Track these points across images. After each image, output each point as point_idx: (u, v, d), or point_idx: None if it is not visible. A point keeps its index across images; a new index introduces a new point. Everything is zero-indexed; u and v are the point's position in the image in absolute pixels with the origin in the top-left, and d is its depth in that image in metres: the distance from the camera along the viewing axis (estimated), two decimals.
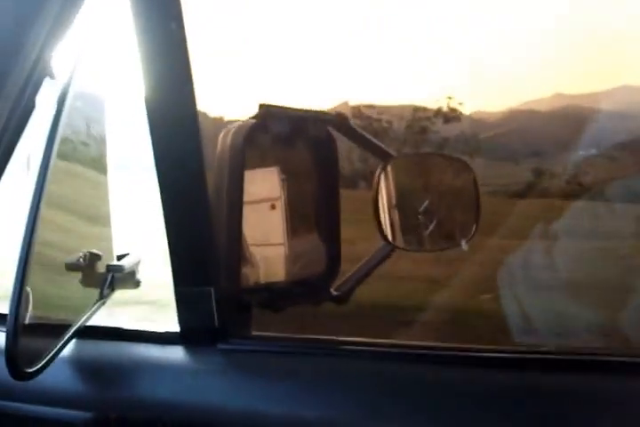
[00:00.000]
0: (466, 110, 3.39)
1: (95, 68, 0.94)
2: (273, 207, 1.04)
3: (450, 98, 3.09)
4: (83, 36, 0.88)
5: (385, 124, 3.22)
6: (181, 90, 0.93)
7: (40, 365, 0.85)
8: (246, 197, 0.97)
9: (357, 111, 3.20)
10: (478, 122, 3.48)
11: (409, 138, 3.26)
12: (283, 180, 1.04)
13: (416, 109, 3.28)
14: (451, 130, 3.23)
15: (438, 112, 3.22)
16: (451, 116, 3.20)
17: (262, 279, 1.04)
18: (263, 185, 1.03)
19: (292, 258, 1.06)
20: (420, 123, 3.28)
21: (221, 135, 0.98)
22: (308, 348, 1.00)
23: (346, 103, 3.12)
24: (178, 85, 0.93)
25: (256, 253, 1.02)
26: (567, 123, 3.30)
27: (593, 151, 3.10)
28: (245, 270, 1.01)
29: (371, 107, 3.18)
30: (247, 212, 0.97)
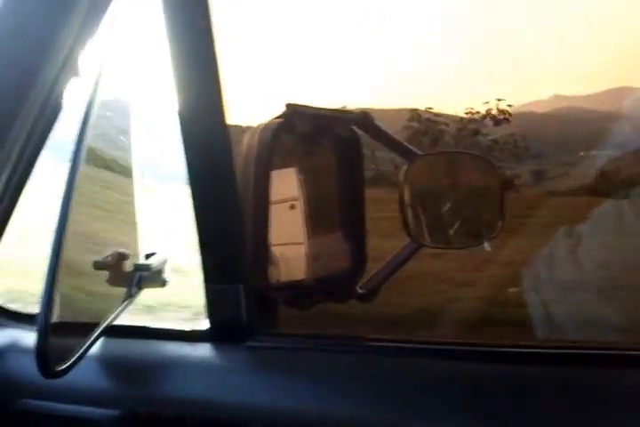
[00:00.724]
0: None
1: (122, 71, 0.95)
2: (292, 207, 1.05)
3: (499, 100, 3.08)
4: (111, 36, 0.89)
5: (443, 127, 3.22)
6: (210, 91, 0.94)
7: (69, 363, 0.86)
8: None
9: (416, 114, 3.20)
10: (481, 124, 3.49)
11: (462, 140, 3.26)
12: (302, 179, 1.04)
13: (467, 112, 3.27)
14: (500, 131, 3.23)
15: (487, 114, 3.21)
16: (500, 119, 3.19)
17: (285, 278, 1.04)
18: (282, 185, 1.03)
19: (314, 257, 1.06)
20: (471, 125, 3.27)
21: (247, 134, 0.98)
22: (335, 345, 1.01)
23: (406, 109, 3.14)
24: (207, 88, 0.94)
25: (277, 252, 1.03)
26: (566, 124, 3.32)
27: (594, 152, 3.12)
28: (270, 269, 1.02)
29: (428, 110, 3.17)
30: None
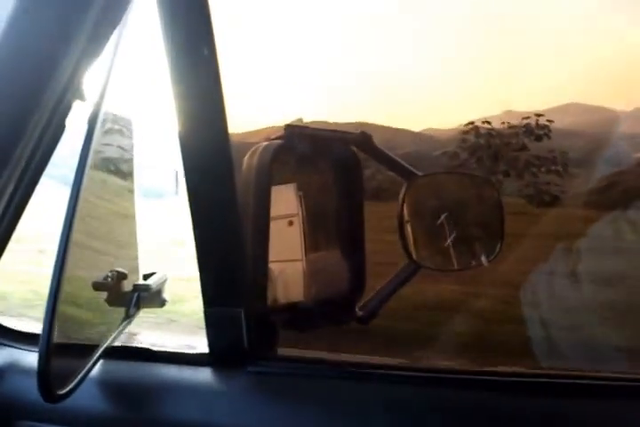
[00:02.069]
0: (416, 128, 3.43)
1: (124, 92, 0.95)
2: (291, 224, 1.05)
3: (539, 115, 3.08)
4: (114, 59, 0.89)
5: (497, 141, 3.22)
6: (213, 113, 0.94)
7: (71, 386, 0.85)
8: None
9: (476, 130, 3.20)
10: (430, 139, 3.53)
11: (507, 155, 3.25)
12: (301, 197, 1.04)
13: (509, 127, 3.27)
14: (541, 147, 3.24)
15: (527, 129, 3.21)
16: (541, 134, 3.19)
17: (281, 297, 1.04)
18: (281, 201, 1.03)
19: (312, 275, 1.06)
20: (512, 139, 3.27)
21: (247, 155, 0.99)
22: (337, 371, 1.00)
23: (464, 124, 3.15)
24: (209, 108, 0.94)
25: (274, 269, 1.03)
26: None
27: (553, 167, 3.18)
28: (268, 289, 1.02)
29: (486, 123, 3.17)
30: None
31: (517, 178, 3.21)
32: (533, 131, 3.19)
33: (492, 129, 3.19)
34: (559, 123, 3.20)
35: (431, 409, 0.90)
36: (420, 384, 0.95)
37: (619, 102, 2.95)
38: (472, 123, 3.19)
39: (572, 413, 0.86)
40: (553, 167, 3.18)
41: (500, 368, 1.05)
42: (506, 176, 3.20)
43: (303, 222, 1.04)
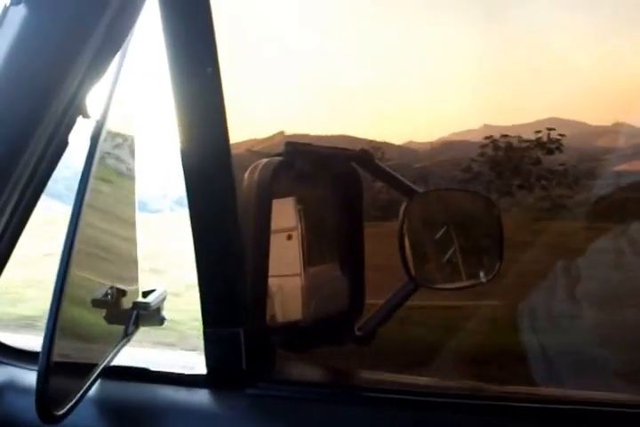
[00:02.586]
0: (397, 141, 3.47)
1: (128, 108, 0.96)
2: (289, 238, 1.04)
3: (550, 129, 3.09)
4: (118, 75, 0.90)
5: (514, 154, 3.23)
6: (215, 132, 0.95)
7: (68, 407, 0.84)
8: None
9: (494, 141, 3.21)
10: (412, 151, 3.59)
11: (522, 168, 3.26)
12: (300, 211, 1.04)
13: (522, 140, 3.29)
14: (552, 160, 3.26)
15: (539, 143, 3.23)
16: (553, 148, 3.20)
17: (279, 313, 1.03)
18: (280, 215, 1.03)
19: (311, 291, 1.05)
20: (524, 153, 3.28)
21: (248, 172, 0.99)
22: (337, 396, 0.99)
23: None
24: (211, 126, 0.95)
25: (272, 284, 1.02)
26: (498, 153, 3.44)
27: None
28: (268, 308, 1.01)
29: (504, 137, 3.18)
30: None
31: (531, 191, 3.22)
32: (545, 144, 3.20)
33: (511, 143, 3.20)
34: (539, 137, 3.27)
35: None
36: (421, 409, 0.94)
37: (597, 117, 3.02)
38: (491, 136, 3.21)
39: None
40: (564, 180, 3.20)
41: (504, 392, 1.05)
42: (522, 189, 3.21)
43: (302, 237, 1.04)
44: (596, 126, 3.20)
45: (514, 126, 3.24)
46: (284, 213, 1.02)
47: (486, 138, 3.20)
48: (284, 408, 0.98)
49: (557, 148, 3.14)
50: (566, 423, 0.90)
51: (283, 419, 0.96)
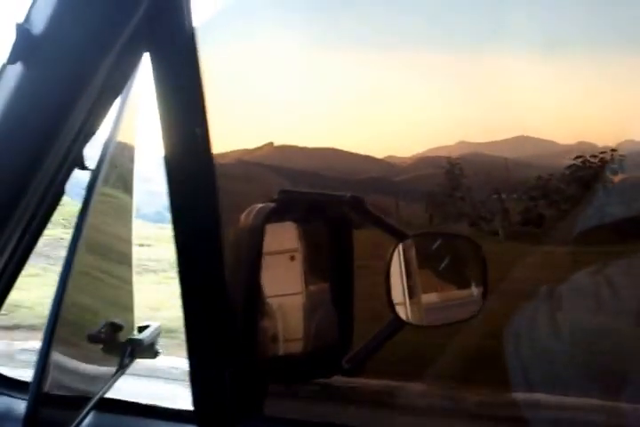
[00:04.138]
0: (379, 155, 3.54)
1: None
2: (292, 259, 1.07)
3: (614, 151, 3.09)
4: (115, 127, 0.93)
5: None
6: (198, 148, 0.96)
7: None
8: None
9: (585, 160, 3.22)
10: (392, 166, 3.66)
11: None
12: (301, 233, 1.07)
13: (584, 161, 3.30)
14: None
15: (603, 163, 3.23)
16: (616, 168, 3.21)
17: (280, 331, 1.05)
18: (283, 238, 1.06)
19: (312, 310, 1.09)
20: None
21: (243, 215, 1.02)
22: None
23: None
24: (194, 139, 0.96)
25: (273, 303, 1.05)
26: (474, 168, 3.50)
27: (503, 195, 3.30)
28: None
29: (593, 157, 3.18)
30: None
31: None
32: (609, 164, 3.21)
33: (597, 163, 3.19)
34: (511, 154, 3.33)
35: None
36: None
37: (564, 136, 3.08)
38: (581, 156, 3.22)
39: None
40: None
41: None
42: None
43: (304, 258, 1.07)
44: (564, 144, 3.27)
45: (485, 144, 3.31)
46: (287, 236, 1.06)
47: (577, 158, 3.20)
48: None
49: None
50: None
51: None
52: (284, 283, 1.07)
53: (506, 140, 3.33)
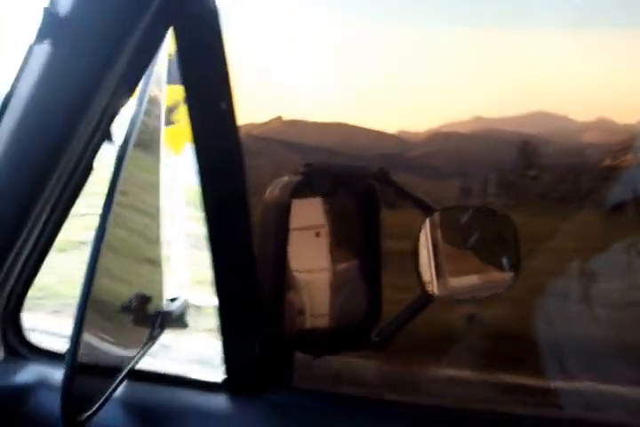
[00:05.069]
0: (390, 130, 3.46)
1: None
2: (318, 235, 1.07)
3: None
4: (142, 100, 0.93)
5: None
6: (225, 122, 0.97)
7: (93, 410, 0.89)
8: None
9: None
10: (404, 141, 3.58)
11: None
12: (328, 209, 1.06)
13: None
14: None
15: None
16: None
17: (307, 307, 1.06)
18: (307, 214, 1.06)
19: (337, 287, 1.09)
20: None
21: (269, 190, 1.02)
22: (352, 406, 1.03)
23: None
24: (221, 118, 0.97)
25: (300, 279, 1.05)
26: (488, 144, 3.40)
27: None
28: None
29: None
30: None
31: None
32: None
33: None
34: (528, 130, 3.23)
35: None
36: (435, 422, 0.97)
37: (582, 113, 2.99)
38: None
39: None
40: None
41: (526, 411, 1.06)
42: None
43: (330, 234, 1.07)
44: (582, 121, 3.17)
45: (502, 119, 3.22)
46: (313, 212, 1.06)
47: None
48: (299, 415, 1.02)
49: None
50: None
51: (297, 426, 1.00)
52: (311, 258, 1.07)
53: (522, 116, 3.23)
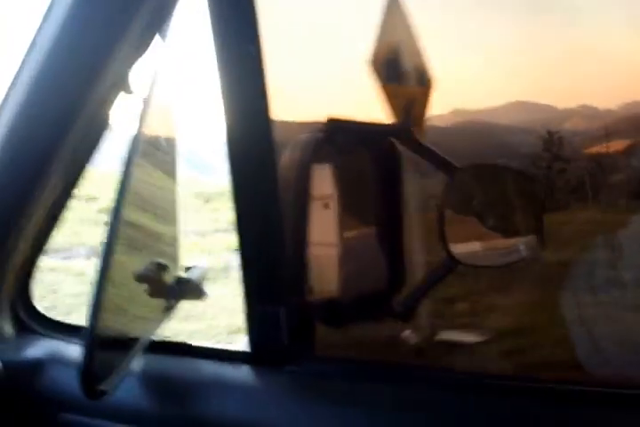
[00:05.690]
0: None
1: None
2: (326, 206, 1.03)
3: None
4: (162, 54, 0.90)
5: None
6: (258, 109, 0.96)
7: (112, 381, 0.86)
8: None
9: None
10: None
11: None
12: (337, 177, 1.03)
13: None
14: None
15: None
16: None
17: (315, 283, 1.02)
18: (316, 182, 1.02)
19: (347, 262, 1.05)
20: None
21: (289, 147, 0.99)
22: (379, 373, 0.99)
23: None
24: (255, 106, 0.95)
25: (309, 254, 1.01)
26: (468, 137, 3.40)
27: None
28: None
29: None
30: None
31: None
32: None
33: None
34: (507, 120, 3.22)
35: (473, 414, 0.89)
36: (463, 389, 0.93)
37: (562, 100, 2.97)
38: None
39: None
40: None
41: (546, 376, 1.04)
42: None
43: (339, 205, 1.03)
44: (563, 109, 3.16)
45: (481, 111, 3.20)
46: (321, 180, 1.02)
47: None
48: (325, 385, 0.99)
49: None
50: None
51: (324, 396, 0.97)
52: (319, 230, 1.03)
53: (501, 107, 3.21)
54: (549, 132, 2.99)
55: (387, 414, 0.92)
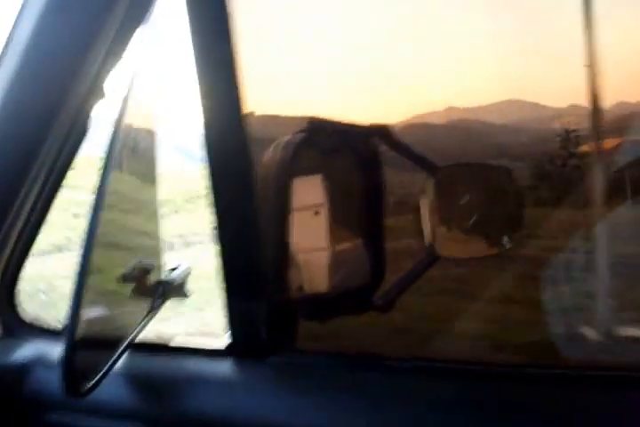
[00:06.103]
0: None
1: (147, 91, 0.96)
2: (316, 214, 1.05)
3: None
4: (138, 59, 0.90)
5: None
6: (232, 105, 0.96)
7: (94, 381, 0.87)
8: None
9: None
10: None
11: None
12: (327, 187, 1.04)
13: None
14: None
15: None
16: None
17: (306, 285, 1.04)
18: (307, 192, 1.03)
19: (337, 264, 1.07)
20: None
21: (271, 148, 0.99)
22: (359, 364, 1.01)
23: None
24: (229, 102, 0.95)
25: (300, 258, 1.03)
26: (462, 135, 3.39)
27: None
28: (291, 279, 1.02)
29: None
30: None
31: None
32: None
33: None
34: (500, 119, 3.22)
35: (454, 401, 0.91)
36: (441, 376, 0.96)
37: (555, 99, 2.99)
38: None
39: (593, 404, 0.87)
40: None
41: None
42: None
43: (329, 213, 1.05)
44: (556, 108, 3.16)
45: (475, 109, 3.19)
46: (312, 190, 1.03)
47: None
48: (306, 377, 1.00)
49: None
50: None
51: (304, 388, 0.98)
52: (310, 237, 1.04)
53: (494, 105, 3.20)
54: (566, 131, 2.99)
55: (367, 404, 0.94)
